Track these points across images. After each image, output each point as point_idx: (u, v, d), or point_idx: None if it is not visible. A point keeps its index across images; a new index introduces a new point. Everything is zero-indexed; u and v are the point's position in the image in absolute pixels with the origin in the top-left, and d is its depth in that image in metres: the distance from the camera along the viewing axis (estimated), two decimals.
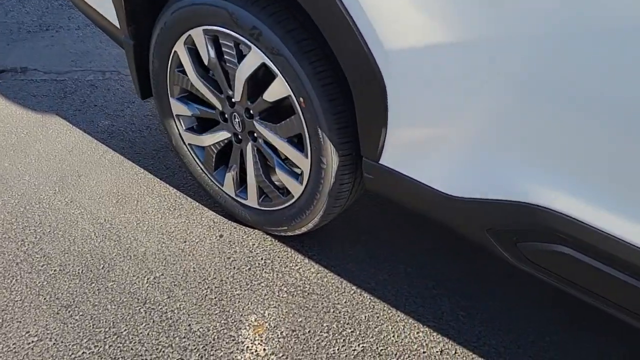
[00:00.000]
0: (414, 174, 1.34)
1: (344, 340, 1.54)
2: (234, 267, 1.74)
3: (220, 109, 1.68)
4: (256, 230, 1.86)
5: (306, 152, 1.52)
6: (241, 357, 1.48)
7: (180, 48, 1.65)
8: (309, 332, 1.56)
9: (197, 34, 1.58)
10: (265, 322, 1.57)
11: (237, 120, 1.66)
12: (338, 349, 1.51)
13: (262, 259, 1.77)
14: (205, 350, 1.50)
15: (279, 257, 1.78)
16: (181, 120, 1.84)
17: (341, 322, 1.59)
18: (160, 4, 1.69)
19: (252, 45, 1.46)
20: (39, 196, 1.98)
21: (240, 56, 1.52)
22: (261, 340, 1.52)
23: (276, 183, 1.70)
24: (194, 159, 1.88)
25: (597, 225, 1.08)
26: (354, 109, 1.39)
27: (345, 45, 1.25)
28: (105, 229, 1.86)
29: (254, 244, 1.82)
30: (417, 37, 1.14)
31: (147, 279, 1.69)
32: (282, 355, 1.49)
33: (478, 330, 1.58)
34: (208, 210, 1.94)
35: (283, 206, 1.70)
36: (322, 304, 1.63)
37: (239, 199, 1.82)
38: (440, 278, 1.72)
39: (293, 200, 1.65)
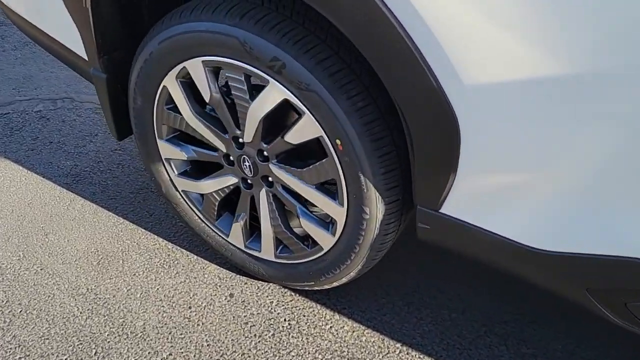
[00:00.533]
0: (487, 225, 1.11)
1: None
2: (255, 335, 1.47)
3: (225, 151, 1.41)
4: (271, 284, 1.60)
5: (341, 199, 1.27)
6: None
7: (171, 82, 1.36)
8: None
9: (195, 66, 1.29)
10: None
11: (247, 164, 1.39)
12: None
13: (285, 320, 1.51)
14: None
15: (304, 315, 1.52)
16: (172, 165, 1.55)
17: None
18: (141, 31, 1.39)
19: (271, 80, 1.19)
20: (0, 266, 1.64)
21: (253, 91, 1.25)
22: None
23: (298, 233, 1.44)
24: (190, 207, 1.60)
25: None
26: (404, 150, 1.16)
27: (404, 78, 1.00)
28: (90, 301, 1.55)
29: (272, 302, 1.56)
30: (506, 68, 0.91)
31: None
32: None
33: None
34: (210, 264, 1.67)
35: (309, 259, 1.44)
36: None
37: (250, 251, 1.55)
38: (490, 322, 1.52)
39: (322, 252, 1.40)
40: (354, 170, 1.20)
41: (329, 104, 1.14)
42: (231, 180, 1.46)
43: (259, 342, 1.46)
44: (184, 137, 1.50)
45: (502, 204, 1.08)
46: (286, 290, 1.59)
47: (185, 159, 1.50)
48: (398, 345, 1.46)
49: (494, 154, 1.02)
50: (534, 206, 1.04)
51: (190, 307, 1.54)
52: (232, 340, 1.46)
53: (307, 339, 1.47)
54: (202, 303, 1.55)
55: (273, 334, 1.47)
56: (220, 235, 1.59)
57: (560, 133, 0.94)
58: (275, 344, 1.45)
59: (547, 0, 0.84)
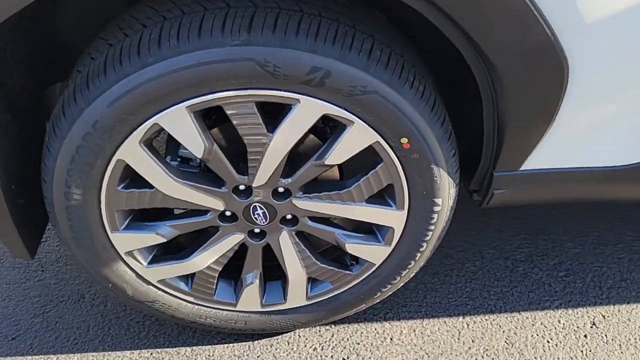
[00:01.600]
0: (574, 164, 1.07)
1: None
2: None
3: (222, 208, 1.07)
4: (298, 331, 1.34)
5: (400, 203, 1.08)
6: None
7: (130, 151, 0.96)
8: None
9: (174, 117, 0.92)
10: None
11: (259, 211, 1.08)
12: None
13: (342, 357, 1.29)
14: None
15: (356, 343, 1.32)
16: (137, 256, 1.13)
17: None
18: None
19: (304, 97, 0.91)
20: None
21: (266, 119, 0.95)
22: None
23: (347, 261, 1.21)
24: (174, 296, 1.21)
25: None
26: (473, 122, 1.03)
27: (512, 36, 0.85)
28: None
29: (316, 348, 1.31)
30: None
31: None
32: None
33: None
34: (215, 347, 1.32)
35: (356, 282, 1.23)
36: None
37: (271, 308, 1.26)
38: (508, 253, 1.52)
39: (374, 269, 1.20)
40: (424, 165, 1.02)
41: (393, 101, 0.93)
42: (236, 240, 1.13)
43: None
44: (146, 214, 1.10)
45: (589, 140, 1.03)
46: (315, 330, 1.35)
47: (162, 241, 1.11)
48: (460, 319, 1.37)
49: (594, 97, 0.96)
50: (619, 132, 1.02)
51: None
52: None
53: None
54: None
55: None
56: (224, 310, 1.25)
57: None
58: None
59: None
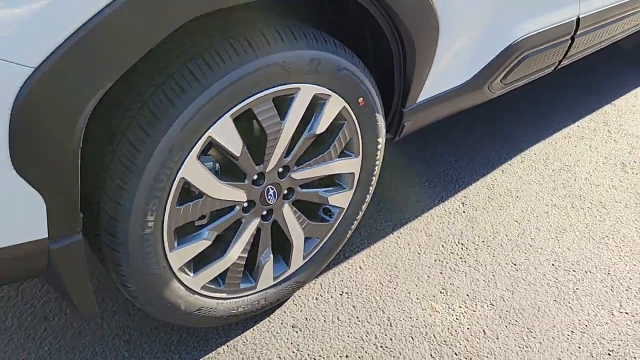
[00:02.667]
0: (441, 90, 1.63)
1: None
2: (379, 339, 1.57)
3: (245, 199, 1.33)
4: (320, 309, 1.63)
5: (357, 151, 1.49)
6: None
7: (191, 167, 1.16)
8: None
9: (223, 128, 1.16)
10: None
11: (270, 192, 1.37)
12: None
13: (378, 333, 1.64)
14: None
15: (397, 318, 1.68)
16: (186, 269, 1.30)
17: None
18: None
19: (303, 85, 1.26)
20: None
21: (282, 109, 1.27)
22: None
23: (322, 215, 1.55)
24: (215, 298, 1.40)
25: None
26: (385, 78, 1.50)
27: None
28: None
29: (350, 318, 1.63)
30: None
31: None
32: None
33: None
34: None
35: (333, 229, 1.58)
36: None
37: (280, 278, 1.53)
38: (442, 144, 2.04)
39: (344, 212, 1.58)
40: (371, 114, 1.44)
41: (355, 73, 1.33)
42: (254, 225, 1.38)
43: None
44: (185, 227, 1.28)
45: (450, 70, 1.59)
46: (309, 285, 1.65)
47: (208, 245, 1.30)
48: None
49: (451, 43, 1.51)
50: (463, 60, 1.61)
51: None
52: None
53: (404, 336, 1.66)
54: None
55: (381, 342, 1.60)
56: (248, 295, 1.47)
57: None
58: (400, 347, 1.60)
59: None
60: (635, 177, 2.11)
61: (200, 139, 1.14)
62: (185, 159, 1.14)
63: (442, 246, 1.79)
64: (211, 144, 1.17)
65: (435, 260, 1.74)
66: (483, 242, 1.81)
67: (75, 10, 0.85)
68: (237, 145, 1.21)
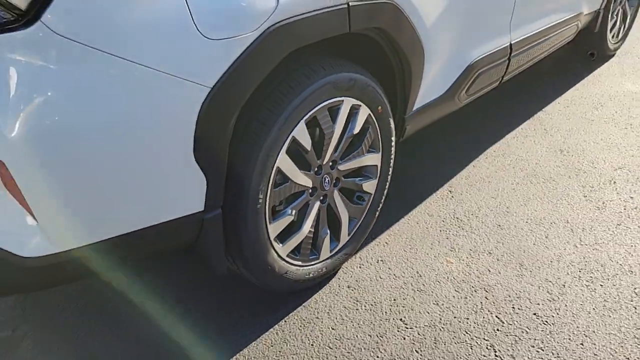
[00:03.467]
0: (426, 101, 2.22)
1: None
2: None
3: (311, 185, 1.83)
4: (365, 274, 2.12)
5: (378, 147, 2.04)
6: None
7: (283, 159, 1.67)
8: None
9: (300, 129, 1.69)
10: None
11: (326, 180, 1.89)
12: None
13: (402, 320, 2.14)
14: None
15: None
16: (278, 239, 1.78)
17: None
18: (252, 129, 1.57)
19: (345, 98, 1.81)
20: None
21: (333, 116, 1.81)
22: None
23: (357, 201, 2.07)
24: (293, 265, 1.87)
25: None
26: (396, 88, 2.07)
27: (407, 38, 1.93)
28: None
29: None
30: (433, 20, 2.02)
31: None
32: None
33: None
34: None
35: (366, 211, 2.09)
36: None
37: (336, 249, 2.01)
38: None
39: (372, 196, 2.09)
40: (387, 119, 2.00)
41: (376, 88, 1.89)
42: (317, 207, 1.88)
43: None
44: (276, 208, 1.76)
45: (435, 83, 2.19)
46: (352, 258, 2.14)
47: (289, 222, 1.79)
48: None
49: (433, 63, 2.11)
50: (443, 73, 2.21)
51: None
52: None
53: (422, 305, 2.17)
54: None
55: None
56: (315, 264, 1.95)
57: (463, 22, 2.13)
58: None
59: None
60: (572, 157, 2.76)
61: (287, 138, 1.65)
62: (279, 153, 1.64)
63: (443, 221, 2.33)
64: (293, 142, 1.68)
65: (440, 231, 2.28)
66: (472, 214, 2.37)
67: (234, 48, 1.37)
68: (308, 143, 1.73)
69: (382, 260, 2.13)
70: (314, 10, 1.53)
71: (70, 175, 1.20)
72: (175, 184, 1.41)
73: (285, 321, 1.87)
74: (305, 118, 1.67)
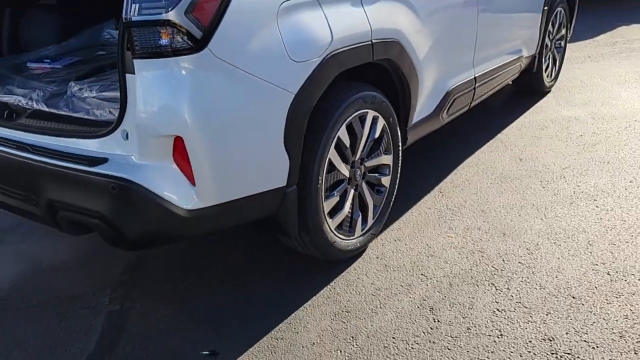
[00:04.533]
0: (422, 116, 2.92)
1: None
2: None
3: (348, 175, 2.46)
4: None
5: (390, 150, 2.70)
6: None
7: (332, 153, 2.30)
8: None
9: (343, 131, 2.33)
10: None
11: (357, 173, 2.52)
12: None
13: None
14: None
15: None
16: (329, 215, 2.38)
17: None
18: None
19: (370, 110, 2.48)
20: None
21: (362, 123, 2.47)
22: None
23: (376, 193, 2.70)
24: (339, 237, 2.46)
25: None
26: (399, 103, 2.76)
27: (406, 69, 2.64)
28: None
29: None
30: (425, 51, 2.75)
31: None
32: None
33: None
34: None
35: (382, 201, 2.72)
36: None
37: (365, 228, 2.62)
38: None
39: (387, 189, 2.73)
40: (395, 128, 2.67)
41: (388, 104, 2.58)
42: (352, 193, 2.51)
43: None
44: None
45: (428, 100, 2.89)
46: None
47: (335, 202, 2.40)
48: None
49: (424, 83, 2.82)
50: (432, 91, 2.93)
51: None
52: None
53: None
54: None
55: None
56: (353, 239, 2.54)
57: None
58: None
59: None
60: (529, 163, 3.49)
61: (335, 137, 2.29)
62: (330, 147, 2.28)
63: (439, 211, 2.99)
64: (338, 140, 2.32)
65: (438, 217, 2.92)
66: (461, 206, 3.03)
67: (308, 68, 2.02)
68: (347, 142, 2.37)
69: (398, 240, 2.75)
70: (353, 45, 2.22)
71: (217, 152, 1.80)
72: (271, 163, 2.01)
73: (335, 282, 2.44)
74: (345, 123, 2.32)
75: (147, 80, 1.69)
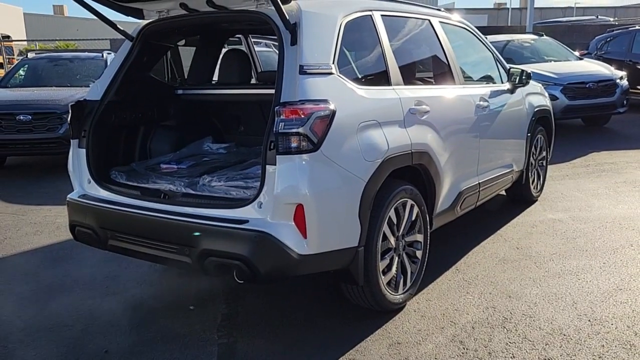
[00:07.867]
0: (443, 208, 3.90)
1: None
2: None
3: (394, 245, 3.39)
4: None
5: (422, 231, 3.64)
6: None
7: (385, 226, 3.25)
8: None
9: (392, 212, 3.30)
10: None
11: (400, 245, 3.45)
12: None
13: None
14: None
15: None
16: (382, 273, 3.27)
17: None
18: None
19: (408, 199, 3.46)
20: None
21: (404, 208, 3.43)
22: None
23: (415, 258, 3.60)
24: (386, 290, 3.33)
25: None
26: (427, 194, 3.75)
27: (432, 169, 3.66)
28: None
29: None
30: (446, 155, 3.80)
31: None
32: None
33: None
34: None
35: (418, 267, 3.62)
36: None
37: (405, 287, 3.49)
38: None
39: (419, 260, 3.64)
40: (426, 215, 3.64)
41: (420, 196, 3.57)
42: (397, 259, 3.41)
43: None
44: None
45: (444, 198, 3.89)
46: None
47: (386, 264, 3.30)
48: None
49: (444, 171, 3.83)
50: (453, 181, 3.93)
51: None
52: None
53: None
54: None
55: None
56: (396, 295, 3.40)
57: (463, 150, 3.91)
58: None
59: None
60: (523, 251, 4.42)
61: (387, 216, 3.24)
62: (384, 223, 3.22)
63: (458, 283, 3.85)
64: (389, 219, 3.27)
65: (458, 286, 3.79)
66: (474, 279, 3.91)
67: (374, 165, 3.03)
68: (395, 220, 3.32)
69: (429, 300, 3.60)
70: (400, 152, 3.25)
71: (322, 216, 2.74)
72: (350, 228, 2.95)
73: (385, 325, 3.27)
74: (394, 206, 3.29)
75: (284, 168, 2.68)
